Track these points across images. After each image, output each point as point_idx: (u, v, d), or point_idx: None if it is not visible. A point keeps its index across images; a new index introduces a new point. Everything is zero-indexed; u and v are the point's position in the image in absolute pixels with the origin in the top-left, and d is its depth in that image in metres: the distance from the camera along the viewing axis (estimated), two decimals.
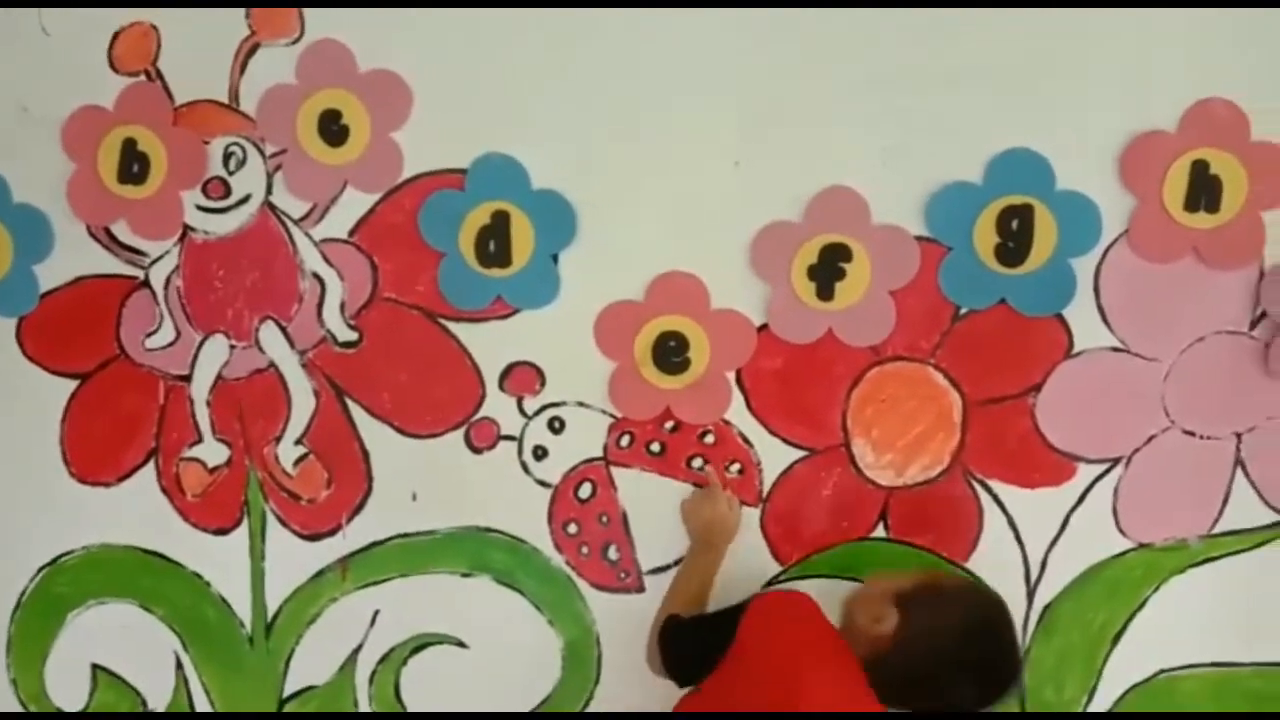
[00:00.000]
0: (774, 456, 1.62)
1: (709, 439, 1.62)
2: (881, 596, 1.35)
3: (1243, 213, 1.49)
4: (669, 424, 1.62)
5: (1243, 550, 1.59)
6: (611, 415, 1.63)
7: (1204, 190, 1.49)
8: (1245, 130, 1.47)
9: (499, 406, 1.64)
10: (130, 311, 1.68)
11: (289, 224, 1.62)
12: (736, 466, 1.63)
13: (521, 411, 1.64)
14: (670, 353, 1.59)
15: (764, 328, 1.58)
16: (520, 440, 1.64)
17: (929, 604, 1.34)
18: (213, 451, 1.70)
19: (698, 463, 1.63)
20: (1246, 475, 1.57)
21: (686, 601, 1.53)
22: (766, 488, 1.63)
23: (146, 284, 1.66)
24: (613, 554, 1.67)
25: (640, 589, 1.67)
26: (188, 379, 1.68)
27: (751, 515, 1.63)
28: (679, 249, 1.57)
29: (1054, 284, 1.53)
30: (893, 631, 1.31)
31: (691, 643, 1.44)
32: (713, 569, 1.58)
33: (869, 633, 1.33)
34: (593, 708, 1.71)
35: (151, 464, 1.71)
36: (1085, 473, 1.59)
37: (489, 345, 1.62)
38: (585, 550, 1.67)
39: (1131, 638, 1.62)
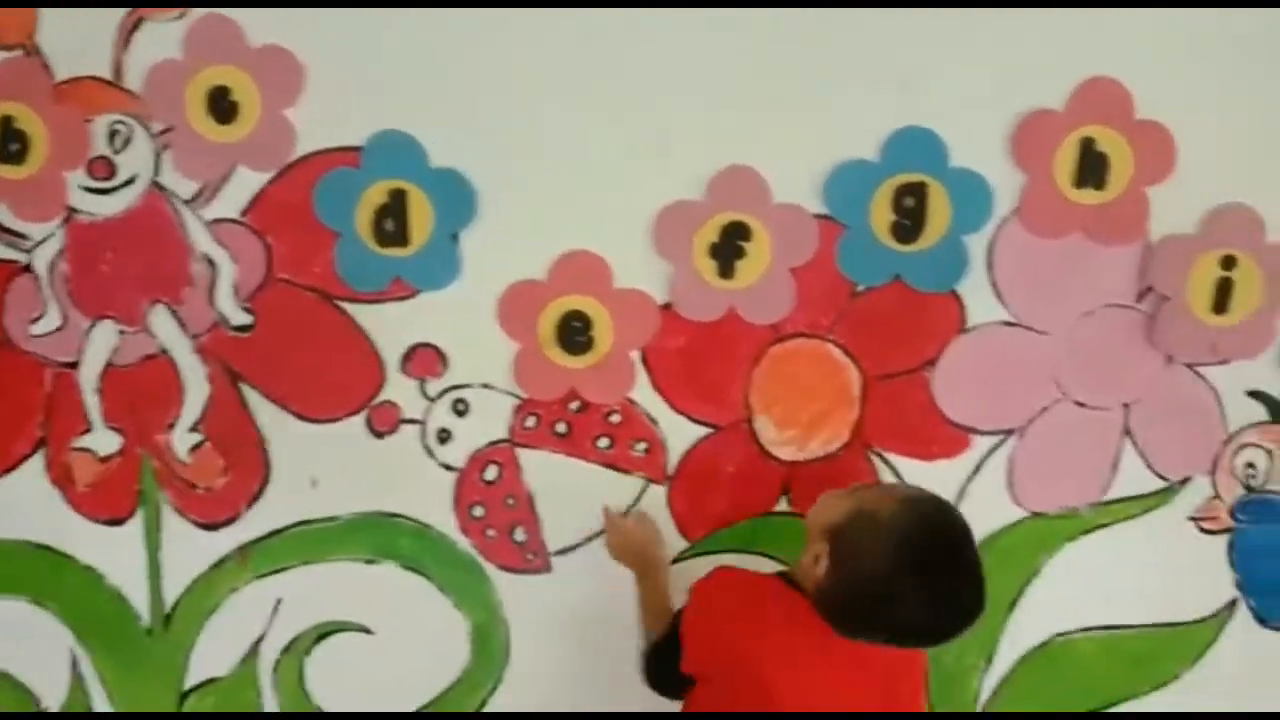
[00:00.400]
0: (679, 434, 1.62)
1: (615, 418, 1.62)
2: (817, 533, 1.31)
3: (1129, 189, 1.53)
4: (574, 404, 1.61)
5: (1132, 517, 1.64)
6: (516, 396, 1.61)
7: (1092, 167, 1.52)
8: (1131, 108, 1.51)
9: (401, 390, 1.61)
10: (13, 297, 1.60)
11: (178, 205, 1.57)
12: (643, 445, 1.62)
13: (424, 394, 1.61)
14: (574, 332, 1.57)
15: (667, 306, 1.58)
16: (424, 424, 1.62)
17: (858, 533, 1.26)
18: (104, 440, 1.63)
19: (604, 442, 1.62)
20: (1135, 444, 1.62)
21: (653, 627, 1.51)
22: (672, 465, 1.63)
23: (29, 268, 1.59)
24: (520, 535, 1.65)
25: (548, 569, 1.66)
26: (75, 366, 1.61)
27: (658, 493, 1.63)
28: (581, 228, 1.56)
29: (947, 261, 1.55)
30: (826, 569, 1.27)
31: (666, 666, 1.41)
32: (659, 589, 1.55)
33: (811, 574, 1.29)
34: (501, 690, 1.70)
35: (39, 455, 1.64)
36: (980, 444, 1.62)
37: (389, 327, 1.59)
38: (492, 533, 1.65)
39: (1027, 604, 1.67)
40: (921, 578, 1.23)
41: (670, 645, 1.41)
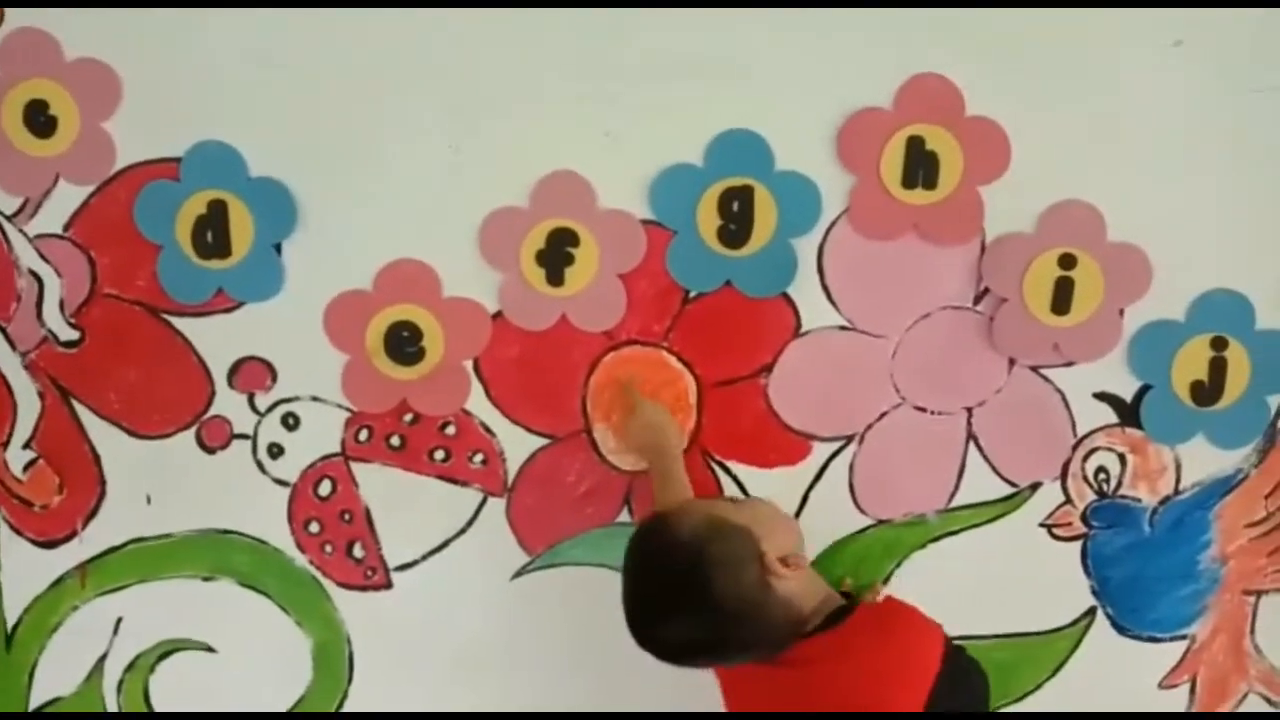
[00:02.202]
0: (517, 445, 1.56)
1: (450, 430, 1.56)
2: None
3: (960, 188, 1.46)
4: (408, 416, 1.55)
5: (982, 524, 1.57)
6: (347, 409, 1.55)
7: (921, 166, 1.46)
8: (960, 105, 1.45)
9: (230, 404, 1.55)
10: None
11: (1, 221, 1.52)
12: (480, 457, 1.56)
13: (253, 408, 1.55)
14: (403, 343, 1.52)
15: (498, 315, 1.52)
16: (254, 438, 1.56)
17: None
18: None
19: (440, 455, 1.57)
20: (980, 449, 1.55)
21: None
22: (511, 477, 1.57)
23: None
24: (358, 552, 1.59)
25: (388, 586, 1.60)
26: None
27: (497, 505, 1.58)
28: (407, 236, 1.50)
29: (776, 265, 1.49)
30: None
31: None
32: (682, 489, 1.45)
33: None
34: (347, 708, 1.64)
35: None
36: (821, 451, 1.55)
37: (215, 340, 1.53)
38: (329, 549, 1.59)
39: None
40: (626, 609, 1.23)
41: None
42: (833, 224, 1.48)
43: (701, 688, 1.55)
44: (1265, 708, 1.61)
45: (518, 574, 1.59)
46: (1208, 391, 1.51)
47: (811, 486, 1.56)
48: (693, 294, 1.51)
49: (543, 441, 1.55)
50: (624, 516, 1.57)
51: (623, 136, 1.46)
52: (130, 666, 1.63)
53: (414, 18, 1.44)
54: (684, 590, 1.16)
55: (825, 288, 1.50)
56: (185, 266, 1.49)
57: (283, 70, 1.46)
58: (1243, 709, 1.61)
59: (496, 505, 1.57)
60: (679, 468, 1.47)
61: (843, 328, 1.51)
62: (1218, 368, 1.50)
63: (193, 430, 1.55)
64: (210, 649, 1.63)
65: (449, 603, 1.60)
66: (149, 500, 1.58)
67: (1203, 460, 1.54)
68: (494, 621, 1.60)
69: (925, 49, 1.44)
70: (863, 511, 1.56)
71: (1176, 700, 1.62)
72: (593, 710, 1.61)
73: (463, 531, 1.58)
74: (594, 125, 1.46)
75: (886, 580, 1.58)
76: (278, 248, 1.50)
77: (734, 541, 1.18)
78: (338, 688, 1.63)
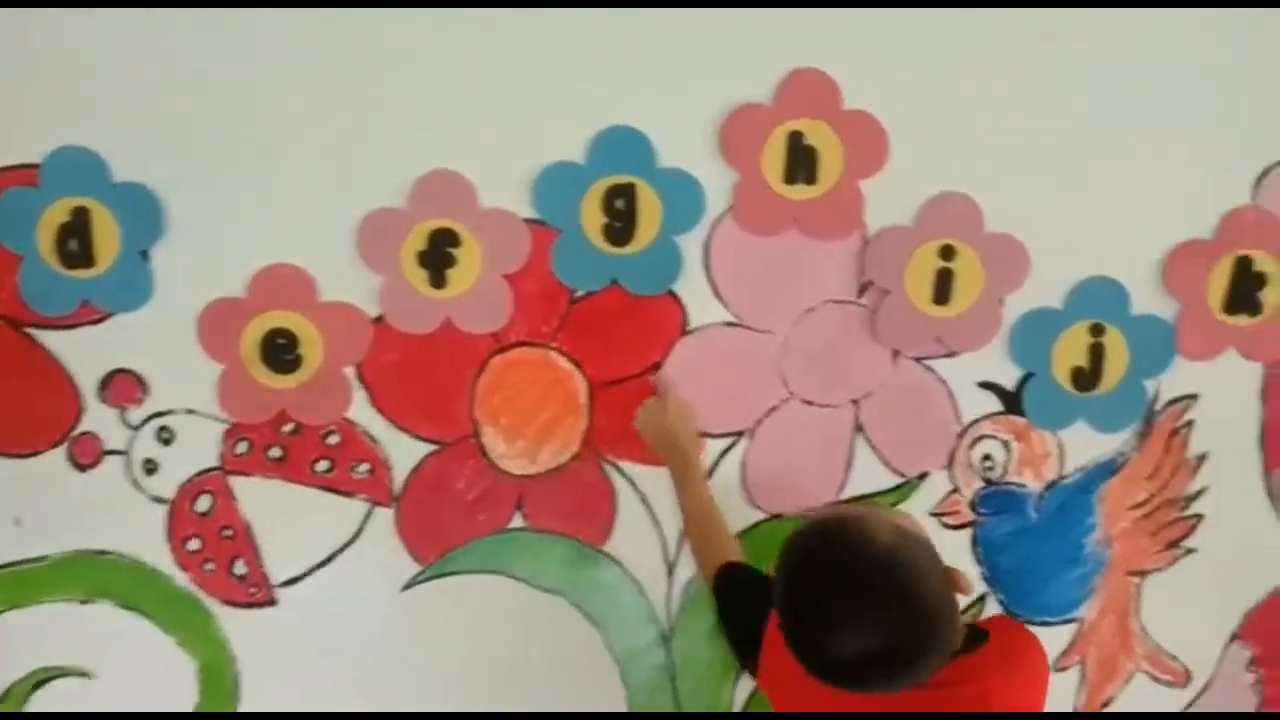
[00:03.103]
0: (403, 453, 1.50)
1: (333, 439, 1.50)
2: None
3: (840, 182, 1.46)
4: (288, 426, 1.49)
5: None
6: (224, 421, 1.49)
7: (801, 161, 1.45)
8: (838, 99, 1.44)
9: (101, 419, 1.47)
10: None
11: None
12: (365, 466, 1.51)
13: (126, 423, 1.47)
14: (280, 350, 1.46)
15: (379, 319, 1.47)
16: (128, 454, 1.48)
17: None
18: None
19: (323, 465, 1.51)
20: (868, 440, 1.55)
21: (706, 539, 1.42)
22: (399, 486, 1.52)
23: None
24: (240, 568, 1.52)
25: (272, 602, 1.53)
26: None
27: (386, 515, 1.52)
28: (281, 240, 1.43)
29: (661, 262, 1.46)
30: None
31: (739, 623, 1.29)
32: (701, 490, 1.44)
33: None
34: None
35: None
36: (712, 447, 1.53)
37: (83, 353, 1.45)
38: (210, 567, 1.52)
39: None
40: (797, 609, 1.09)
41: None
42: (717, 220, 1.46)
43: (597, 695, 1.53)
44: (1152, 686, 1.63)
45: (409, 585, 1.53)
46: (1087, 377, 1.52)
47: None
48: (579, 293, 1.47)
49: (430, 448, 1.50)
50: (516, 522, 1.53)
51: (504, 134, 1.42)
52: (4, 697, 1.54)
53: (287, 17, 1.38)
54: (890, 601, 1.04)
55: (712, 284, 1.48)
56: (48, 277, 1.41)
57: (145, 71, 1.39)
58: (1131, 688, 1.63)
59: (384, 515, 1.51)
60: (699, 470, 1.46)
61: (730, 324, 1.49)
62: (1096, 353, 1.52)
63: (63, 448, 1.47)
64: (89, 675, 1.54)
65: (338, 617, 1.54)
66: (18, 522, 1.49)
67: (1085, 445, 1.56)
68: (385, 635, 1.55)
69: (803, 44, 1.42)
70: (756, 506, 1.54)
71: (1068, 681, 1.63)
72: None
73: (350, 543, 1.52)
74: (473, 123, 1.42)
75: None
76: (145, 255, 1.43)
77: (925, 549, 1.10)
78: (226, 709, 1.55)
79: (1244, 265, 1.51)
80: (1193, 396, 1.55)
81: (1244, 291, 1.51)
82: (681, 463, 1.45)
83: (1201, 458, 1.57)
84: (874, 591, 1.05)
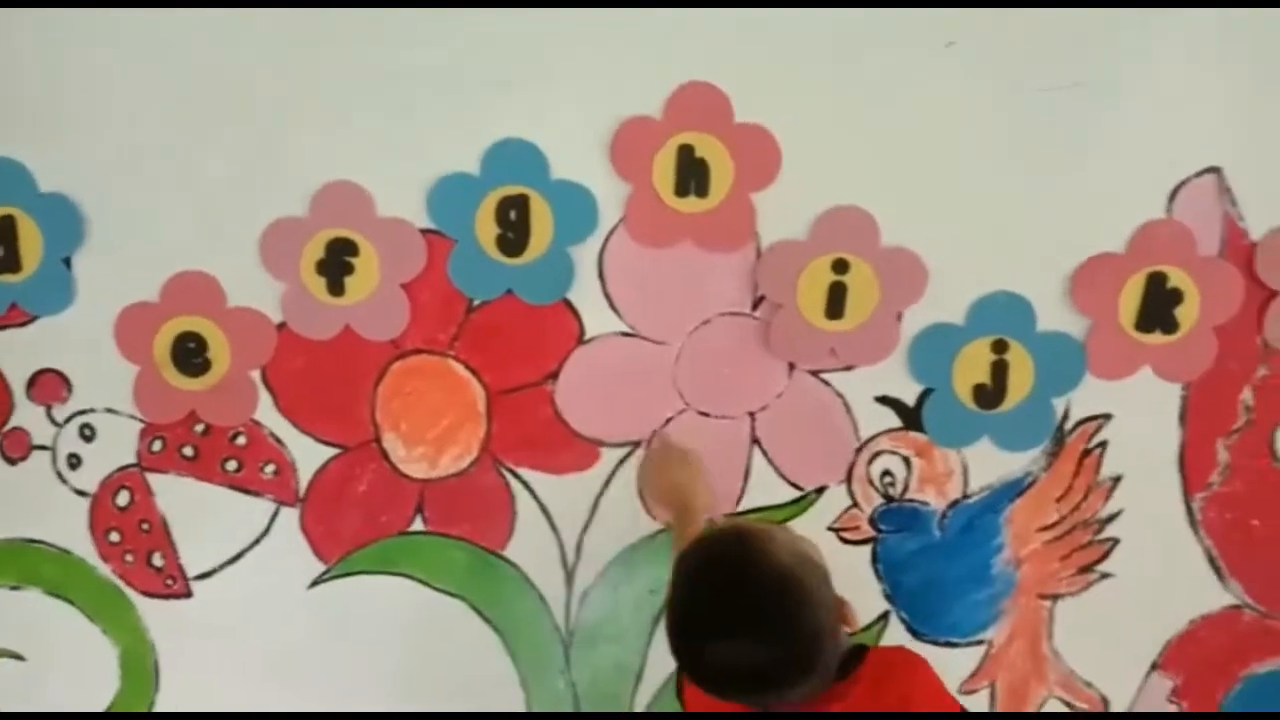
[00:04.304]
0: (307, 455, 1.53)
1: (241, 440, 1.54)
2: None
3: (732, 195, 1.43)
4: (199, 426, 1.54)
5: None
6: (141, 420, 1.54)
7: (692, 174, 1.43)
8: (728, 112, 1.42)
9: (29, 416, 1.53)
10: None
11: None
12: (271, 467, 1.54)
13: (52, 420, 1.53)
14: (190, 354, 1.50)
15: (283, 325, 1.50)
16: (54, 449, 1.54)
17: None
18: None
19: (232, 465, 1.55)
20: (765, 453, 1.52)
21: None
22: (303, 487, 1.55)
23: None
24: (157, 561, 1.57)
25: (188, 594, 1.58)
26: None
27: (291, 515, 1.56)
28: (192, 247, 1.48)
29: (554, 272, 1.46)
30: None
31: None
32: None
33: None
34: (154, 714, 1.62)
35: None
36: (609, 457, 1.52)
37: (12, 353, 1.50)
38: (130, 558, 1.57)
39: None
40: (684, 609, 1.11)
41: None
42: (611, 232, 1.46)
43: (497, 700, 1.53)
44: (1066, 713, 1.57)
45: (314, 583, 1.56)
46: (990, 394, 1.47)
47: (601, 492, 1.52)
48: (476, 302, 1.48)
49: (333, 451, 1.53)
50: (417, 525, 1.55)
51: (400, 145, 1.44)
52: None
53: (198, 29, 1.41)
54: (773, 619, 1.05)
55: (607, 295, 1.48)
56: None
57: (66, 81, 1.44)
58: (1046, 710, 1.57)
59: (290, 515, 1.54)
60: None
61: (625, 334, 1.49)
62: (999, 370, 1.47)
63: None
64: (19, 657, 1.61)
65: (249, 611, 1.57)
66: None
67: (990, 463, 1.50)
68: (293, 630, 1.58)
69: (694, 57, 1.41)
70: (653, 516, 1.53)
71: (978, 705, 1.58)
72: None
73: (258, 541, 1.55)
74: (371, 134, 1.44)
75: None
76: (67, 261, 1.48)
77: (821, 578, 1.10)
78: (145, 695, 1.61)
79: (1158, 281, 1.44)
80: (1106, 416, 1.49)
81: (1158, 308, 1.44)
82: (686, 522, 1.37)
83: (1117, 479, 1.50)
84: (759, 609, 1.05)
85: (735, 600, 1.06)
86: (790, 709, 1.11)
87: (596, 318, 1.48)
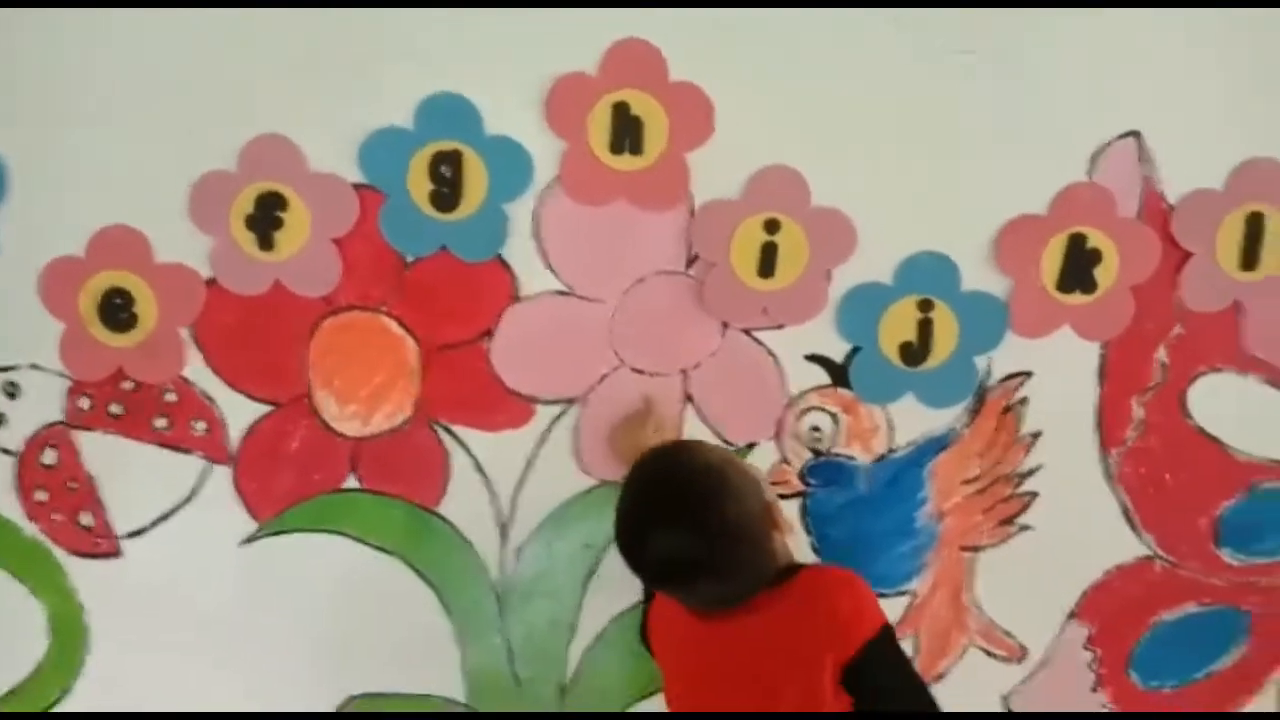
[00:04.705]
0: (238, 412, 1.51)
1: (170, 397, 1.51)
2: None
3: (666, 154, 1.44)
4: (127, 384, 1.51)
5: None
6: (67, 377, 1.51)
7: (627, 132, 1.44)
8: (663, 71, 1.42)
9: None
10: None
11: None
12: (202, 424, 1.52)
13: None
14: (117, 310, 1.47)
15: (212, 281, 1.48)
16: None
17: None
18: None
19: (161, 423, 1.53)
20: (698, 410, 1.54)
21: None
22: (234, 445, 1.53)
23: None
24: (85, 520, 1.55)
25: (117, 554, 1.56)
26: None
27: (223, 473, 1.54)
28: (118, 201, 1.44)
29: (487, 229, 1.45)
30: None
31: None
32: None
33: None
34: (83, 677, 1.60)
35: None
36: (544, 414, 1.53)
37: None
38: (58, 517, 1.54)
39: (606, 571, 1.58)
40: (624, 508, 1.24)
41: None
42: (546, 189, 1.45)
43: (433, 655, 1.53)
44: (986, 661, 1.62)
45: (246, 541, 1.55)
46: (916, 352, 1.50)
47: (536, 450, 1.53)
48: (410, 259, 1.47)
49: (265, 409, 1.51)
50: (351, 482, 1.54)
51: (331, 99, 1.42)
52: None
53: None
54: (696, 506, 1.17)
55: (542, 252, 1.47)
56: None
57: None
58: (965, 662, 1.61)
59: (222, 472, 1.53)
60: None
61: (560, 292, 1.49)
62: (925, 329, 1.49)
63: None
64: None
65: (180, 570, 1.55)
66: None
67: (915, 419, 1.53)
68: (226, 588, 1.56)
69: (629, 14, 1.40)
70: (587, 473, 1.54)
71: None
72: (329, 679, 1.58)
73: (189, 499, 1.53)
74: (302, 87, 1.42)
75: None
76: None
77: (749, 481, 1.22)
78: (75, 655, 1.58)
79: (1078, 242, 1.47)
80: (1027, 374, 1.52)
81: (1078, 269, 1.48)
82: None
83: (1036, 435, 1.54)
84: (685, 497, 1.18)
85: (663, 489, 1.20)
86: (725, 612, 1.20)
87: (531, 275, 1.47)
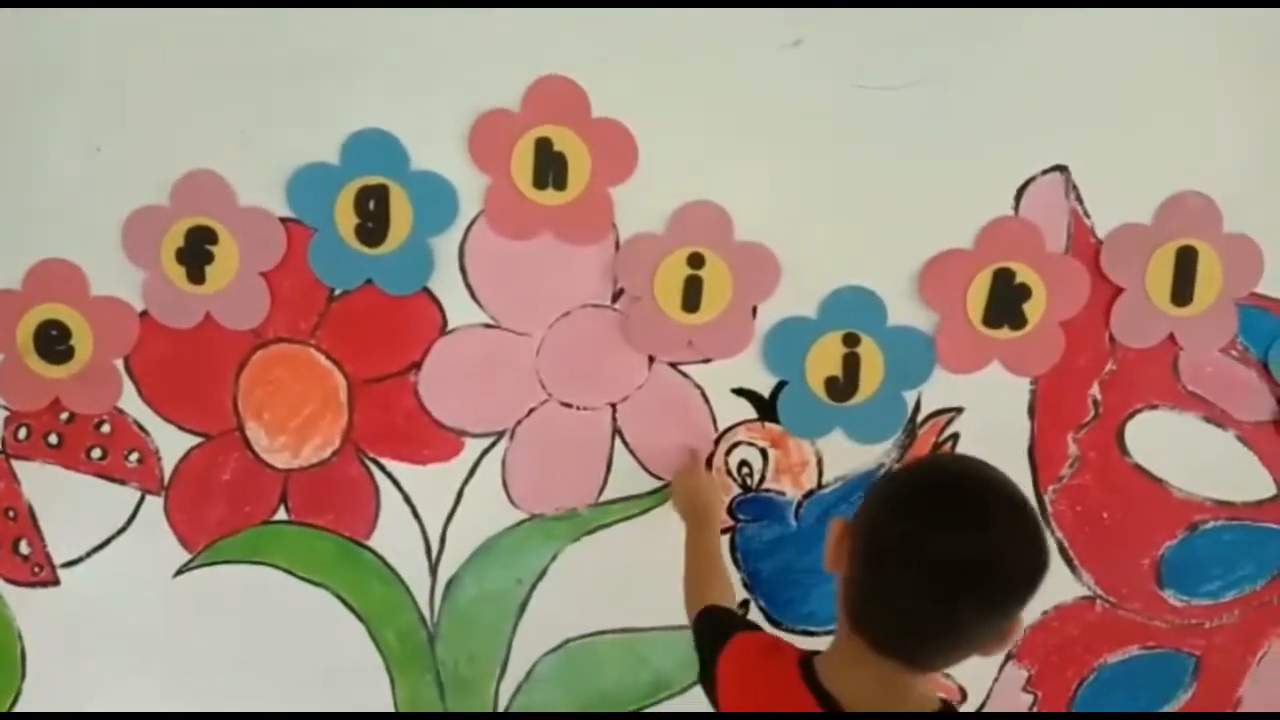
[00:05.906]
0: (171, 443, 1.51)
1: (105, 428, 1.52)
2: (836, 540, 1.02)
3: (589, 189, 1.43)
4: (64, 414, 1.52)
5: (632, 517, 1.53)
6: (4, 408, 1.52)
7: (550, 167, 1.43)
8: (585, 107, 1.42)
9: None
10: None
11: None
12: (135, 455, 1.52)
13: None
14: (53, 341, 1.48)
15: (145, 314, 1.49)
16: None
17: (867, 503, 0.99)
18: None
19: (97, 453, 1.53)
20: (625, 444, 1.52)
21: (699, 583, 1.33)
22: (167, 476, 1.53)
23: None
24: (24, 549, 1.55)
25: (55, 582, 1.56)
26: None
27: (155, 503, 1.54)
28: (54, 235, 1.46)
29: (413, 263, 1.45)
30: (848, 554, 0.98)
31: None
32: (709, 544, 1.39)
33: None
34: (22, 705, 1.59)
35: None
36: (473, 447, 1.51)
37: None
38: None
39: (536, 607, 1.56)
40: (908, 502, 0.94)
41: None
42: (472, 223, 1.45)
43: (363, 686, 1.51)
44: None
45: (179, 571, 1.54)
46: (842, 387, 1.47)
47: (466, 482, 1.51)
48: (337, 292, 1.47)
49: (196, 440, 1.51)
50: (281, 514, 1.53)
51: (259, 135, 1.43)
52: None
53: (54, 18, 1.40)
54: (1010, 503, 0.93)
55: (469, 286, 1.47)
56: None
57: None
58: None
59: (155, 503, 1.52)
60: (714, 529, 1.43)
61: (488, 325, 1.48)
62: (851, 363, 1.47)
63: None
64: None
65: (116, 600, 1.55)
66: None
67: (844, 455, 1.50)
68: (160, 618, 1.55)
69: (551, 51, 1.40)
70: (516, 506, 1.52)
71: None
72: (262, 709, 1.56)
73: (124, 529, 1.53)
74: (230, 122, 1.43)
75: (543, 575, 1.54)
76: None
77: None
78: (11, 684, 1.58)
79: (1005, 277, 1.44)
80: (958, 409, 1.49)
81: (1006, 304, 1.45)
82: (701, 519, 1.41)
83: None
84: (995, 498, 0.93)
85: (973, 489, 0.94)
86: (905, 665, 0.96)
87: (458, 309, 1.47)
